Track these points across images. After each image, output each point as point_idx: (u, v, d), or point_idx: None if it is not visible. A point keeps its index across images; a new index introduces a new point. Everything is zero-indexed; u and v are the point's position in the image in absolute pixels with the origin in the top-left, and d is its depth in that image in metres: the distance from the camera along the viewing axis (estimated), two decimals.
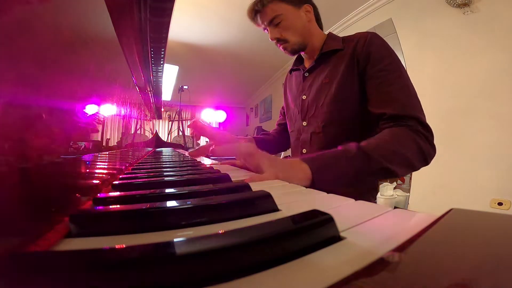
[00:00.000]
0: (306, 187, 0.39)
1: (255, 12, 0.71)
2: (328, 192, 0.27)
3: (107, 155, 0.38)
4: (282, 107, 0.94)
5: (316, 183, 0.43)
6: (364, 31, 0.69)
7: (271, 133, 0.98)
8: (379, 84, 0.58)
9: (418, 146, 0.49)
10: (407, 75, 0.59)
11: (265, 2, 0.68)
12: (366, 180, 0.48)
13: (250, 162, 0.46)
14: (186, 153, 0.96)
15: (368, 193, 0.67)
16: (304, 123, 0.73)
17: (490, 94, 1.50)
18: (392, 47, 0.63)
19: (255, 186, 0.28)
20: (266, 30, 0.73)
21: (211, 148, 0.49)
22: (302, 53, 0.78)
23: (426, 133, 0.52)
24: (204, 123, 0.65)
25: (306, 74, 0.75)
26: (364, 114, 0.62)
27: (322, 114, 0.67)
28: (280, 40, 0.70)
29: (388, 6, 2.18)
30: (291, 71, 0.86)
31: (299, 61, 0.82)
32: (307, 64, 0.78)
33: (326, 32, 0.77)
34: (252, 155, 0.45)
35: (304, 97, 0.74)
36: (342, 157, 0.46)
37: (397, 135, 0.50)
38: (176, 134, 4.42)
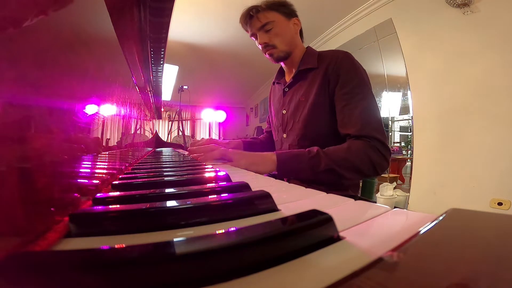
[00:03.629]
0: (272, 175, 0.52)
1: (249, 17, 0.74)
2: (314, 187, 0.27)
3: (107, 155, 0.38)
4: (268, 116, 0.99)
5: (278, 172, 0.59)
6: (339, 49, 0.75)
7: (259, 138, 1.04)
8: (344, 106, 0.64)
9: (368, 157, 0.59)
10: (371, 95, 0.66)
11: (260, 9, 0.72)
12: (320, 176, 0.59)
13: (227, 160, 0.62)
14: (187, 153, 1.00)
15: (348, 189, 0.72)
16: (284, 135, 0.80)
17: (490, 94, 1.50)
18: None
19: (255, 186, 0.28)
20: (253, 37, 0.77)
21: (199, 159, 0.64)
22: (283, 65, 0.83)
23: (381, 148, 0.60)
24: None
25: (286, 89, 0.80)
26: (335, 131, 0.68)
27: (297, 129, 0.74)
28: (268, 46, 0.74)
29: (388, 6, 2.17)
30: (274, 83, 0.92)
31: (281, 74, 0.87)
32: (287, 77, 0.83)
33: (306, 46, 0.82)
34: (225, 155, 0.62)
35: (284, 111, 0.80)
36: (304, 155, 0.59)
37: (352, 147, 0.60)
38: (176, 134, 4.42)
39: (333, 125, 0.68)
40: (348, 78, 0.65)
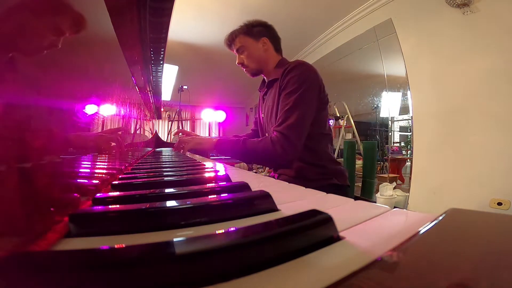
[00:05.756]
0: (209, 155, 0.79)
1: (229, 42, 0.94)
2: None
3: (106, 155, 0.38)
4: (255, 117, 1.15)
5: (216, 151, 0.83)
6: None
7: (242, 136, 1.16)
8: (281, 105, 0.77)
9: (263, 150, 0.73)
10: (306, 99, 0.75)
11: (233, 36, 0.91)
12: (239, 156, 0.81)
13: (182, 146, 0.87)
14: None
15: (333, 177, 0.82)
16: (267, 134, 0.94)
17: (490, 94, 1.50)
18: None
19: (255, 186, 0.28)
20: (237, 53, 0.96)
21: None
22: (264, 76, 0.99)
23: (283, 143, 0.71)
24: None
25: (265, 97, 0.96)
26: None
27: (272, 129, 0.87)
28: (243, 65, 0.93)
29: (388, 6, 2.17)
30: (259, 90, 1.07)
31: (263, 83, 1.01)
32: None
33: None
34: (182, 142, 0.87)
35: (263, 115, 0.97)
36: (235, 142, 0.79)
37: (261, 140, 0.76)
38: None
39: None
40: (290, 83, 0.77)
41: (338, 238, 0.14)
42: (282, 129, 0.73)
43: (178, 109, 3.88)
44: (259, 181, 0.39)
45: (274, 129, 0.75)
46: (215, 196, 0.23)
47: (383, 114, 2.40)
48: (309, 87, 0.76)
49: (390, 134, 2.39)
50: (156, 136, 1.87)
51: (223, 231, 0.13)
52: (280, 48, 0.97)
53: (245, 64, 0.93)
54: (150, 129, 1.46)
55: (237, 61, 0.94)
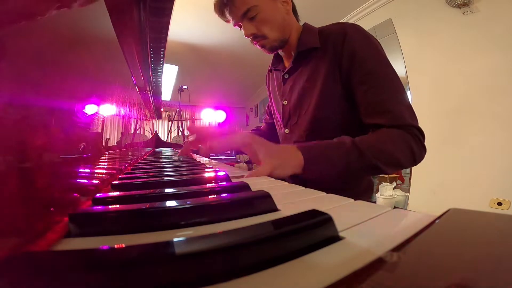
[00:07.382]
0: (297, 175, 0.45)
1: (223, 5, 0.60)
2: (326, 190, 0.27)
3: (106, 155, 0.38)
4: (268, 106, 0.89)
5: (306, 172, 0.45)
6: (342, 22, 0.63)
7: (262, 129, 0.94)
8: (367, 90, 0.53)
9: (410, 147, 0.50)
10: (394, 72, 0.55)
11: None
12: (355, 174, 0.49)
13: (247, 151, 0.47)
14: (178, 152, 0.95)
15: (364, 194, 0.65)
16: (286, 131, 0.68)
17: (489, 94, 1.50)
18: (392, 47, 0.62)
19: (255, 186, 0.28)
20: (237, 26, 0.63)
21: (208, 145, 0.47)
22: (280, 51, 0.69)
23: (419, 135, 0.52)
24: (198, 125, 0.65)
25: (286, 76, 0.68)
26: (350, 122, 0.59)
27: (305, 122, 0.63)
28: (257, 37, 0.61)
29: (388, 6, 2.17)
30: (271, 70, 0.79)
31: (278, 59, 0.74)
32: (286, 62, 0.71)
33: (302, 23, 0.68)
34: (249, 144, 0.45)
35: (285, 102, 0.68)
36: (335, 149, 0.47)
37: (391, 136, 0.50)
38: (175, 134, 4.42)
39: (348, 115, 0.58)
40: (365, 54, 0.54)
41: (338, 238, 0.14)
42: (411, 120, 0.51)
43: (178, 109, 3.89)
44: (259, 181, 0.39)
45: (393, 124, 0.51)
46: (215, 196, 0.23)
47: None
48: (385, 54, 0.56)
49: None
50: (156, 136, 1.87)
51: (223, 231, 0.13)
52: (297, 13, 0.68)
53: (260, 34, 0.60)
54: (150, 129, 1.47)
55: (245, 33, 0.61)
